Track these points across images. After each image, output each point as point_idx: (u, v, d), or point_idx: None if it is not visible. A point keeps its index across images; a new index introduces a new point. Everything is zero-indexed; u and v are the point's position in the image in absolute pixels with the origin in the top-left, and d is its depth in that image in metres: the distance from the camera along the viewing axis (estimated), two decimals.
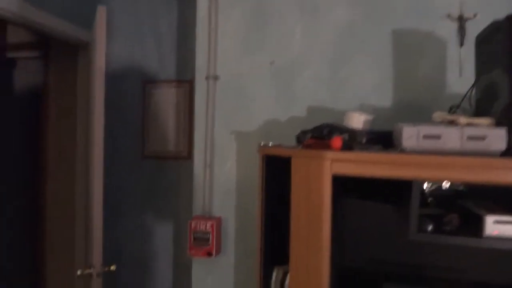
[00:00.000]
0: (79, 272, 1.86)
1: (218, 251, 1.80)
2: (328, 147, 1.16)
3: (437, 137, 1.06)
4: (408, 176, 1.04)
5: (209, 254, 1.75)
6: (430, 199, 1.25)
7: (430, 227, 1.08)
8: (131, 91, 2.71)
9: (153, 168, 2.69)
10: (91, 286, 1.91)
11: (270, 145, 1.42)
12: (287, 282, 1.36)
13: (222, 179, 1.86)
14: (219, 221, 1.81)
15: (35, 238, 2.80)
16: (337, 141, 1.11)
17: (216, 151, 1.87)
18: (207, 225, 1.76)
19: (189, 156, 2.61)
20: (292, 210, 1.22)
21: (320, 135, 1.33)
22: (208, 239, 1.76)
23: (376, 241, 1.27)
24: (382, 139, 1.31)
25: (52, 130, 2.78)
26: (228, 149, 1.85)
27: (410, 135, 1.07)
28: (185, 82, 2.64)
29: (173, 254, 2.65)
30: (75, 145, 2.65)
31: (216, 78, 1.86)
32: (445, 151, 1.07)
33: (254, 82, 1.83)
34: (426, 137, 1.07)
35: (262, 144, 1.45)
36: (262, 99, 1.82)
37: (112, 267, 1.92)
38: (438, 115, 1.21)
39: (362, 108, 1.68)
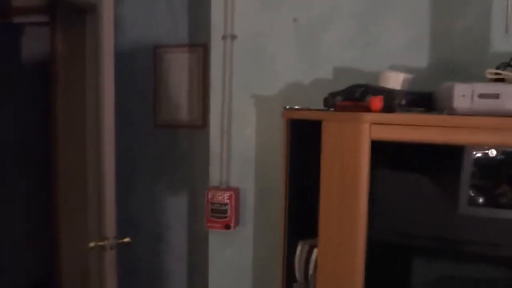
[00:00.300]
0: (92, 245, 1.79)
1: (236, 224, 1.70)
2: (365, 109, 1.03)
3: (495, 96, 0.92)
4: (460, 141, 0.90)
5: (227, 227, 1.66)
6: (474, 169, 1.11)
7: (481, 200, 0.95)
8: (141, 56, 2.57)
9: (165, 137, 2.59)
10: (105, 258, 1.84)
11: (296, 108, 1.29)
12: (313, 256, 1.26)
13: (241, 147, 1.73)
14: (237, 191, 1.70)
15: (47, 210, 2.76)
16: (377, 101, 0.97)
17: (234, 116, 1.74)
18: (225, 196, 1.65)
19: (204, 124, 2.49)
20: (322, 180, 1.10)
21: (352, 97, 1.19)
22: (226, 211, 1.66)
23: (413, 214, 1.15)
24: (422, 101, 1.18)
25: (61, 98, 2.68)
26: (247, 115, 1.72)
27: (463, 94, 0.93)
28: (198, 46, 2.49)
29: (187, 226, 2.58)
30: (85, 113, 2.55)
31: (233, 37, 1.71)
32: (503, 112, 0.92)
33: (275, 42, 1.67)
34: (482, 96, 0.92)
35: (287, 108, 1.32)
36: (284, 60, 1.66)
37: (126, 239, 1.85)
38: (490, 72, 1.06)
39: (394, 69, 1.53)
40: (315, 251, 1.25)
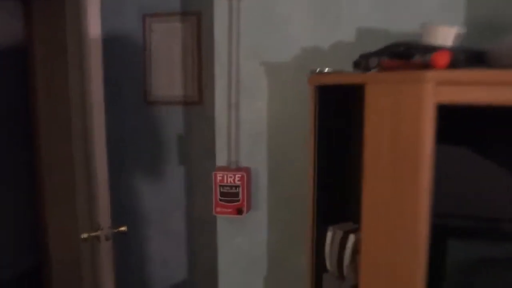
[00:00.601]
0: (85, 236, 1.60)
1: (248, 208, 1.52)
2: (420, 68, 0.85)
3: None
4: None
5: (240, 211, 1.47)
6: None
7: None
8: (129, 25, 2.33)
9: (159, 115, 2.38)
10: (100, 250, 1.66)
11: (326, 71, 1.10)
12: (349, 244, 1.09)
13: (251, 122, 1.54)
14: (248, 172, 1.52)
15: (33, 197, 2.54)
16: (443, 56, 0.79)
17: (242, 87, 1.54)
18: (236, 177, 1.47)
19: (200, 100, 2.29)
20: (365, 155, 0.92)
21: (396, 56, 1.00)
22: (237, 194, 1.47)
23: (472, 192, 0.98)
24: (476, 59, 1.00)
25: (41, 76, 2.43)
26: (257, 85, 1.52)
27: None
28: (192, 15, 2.26)
29: (185, 210, 2.40)
30: (68, 91, 2.31)
31: None
32: None
33: (288, 0, 1.47)
34: None
35: (316, 72, 1.12)
36: (298, 21, 1.46)
37: (123, 228, 1.67)
38: None
39: None
40: (351, 237, 1.09)
